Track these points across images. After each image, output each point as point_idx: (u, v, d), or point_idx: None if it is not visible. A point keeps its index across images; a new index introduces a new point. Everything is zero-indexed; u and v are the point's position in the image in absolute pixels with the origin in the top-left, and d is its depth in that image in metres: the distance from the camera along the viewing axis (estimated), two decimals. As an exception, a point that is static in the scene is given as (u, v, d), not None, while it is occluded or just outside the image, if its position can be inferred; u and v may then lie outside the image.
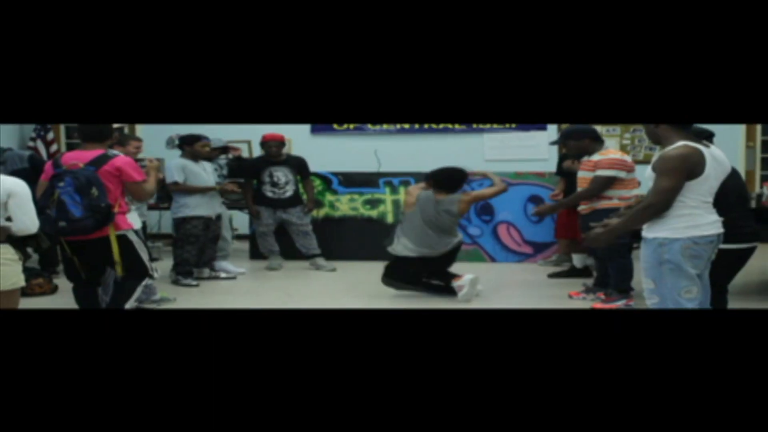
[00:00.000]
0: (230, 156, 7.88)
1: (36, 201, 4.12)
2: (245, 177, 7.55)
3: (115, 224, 4.50)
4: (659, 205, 3.22)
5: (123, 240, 4.56)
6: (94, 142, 4.55)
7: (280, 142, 7.49)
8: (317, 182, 8.04)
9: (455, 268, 6.15)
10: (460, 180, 6.07)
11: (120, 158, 4.53)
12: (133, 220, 5.08)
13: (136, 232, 4.76)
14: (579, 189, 5.71)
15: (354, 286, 6.55)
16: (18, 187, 3.68)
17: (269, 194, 7.45)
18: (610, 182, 5.46)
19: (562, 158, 7.24)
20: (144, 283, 4.77)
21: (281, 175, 7.46)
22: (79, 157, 4.48)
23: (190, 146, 6.72)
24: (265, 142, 7.47)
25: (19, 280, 3.71)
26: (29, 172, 6.32)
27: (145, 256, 4.72)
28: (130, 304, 4.70)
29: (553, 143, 6.75)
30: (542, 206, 6.37)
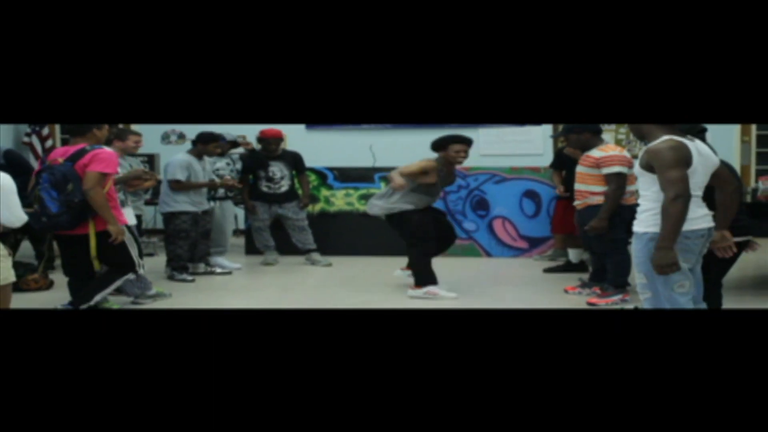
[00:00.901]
0: (245, 150, 7.83)
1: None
2: (242, 172, 7.55)
3: (102, 219, 4.51)
4: (683, 194, 3.14)
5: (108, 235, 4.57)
6: (78, 136, 4.57)
7: (279, 139, 7.50)
8: (312, 177, 8.04)
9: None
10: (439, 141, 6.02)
11: (96, 151, 4.49)
12: (128, 215, 5.07)
13: (129, 227, 4.77)
14: (577, 185, 5.70)
15: (350, 281, 6.55)
16: (1, 181, 3.67)
17: (264, 189, 7.44)
18: (624, 177, 5.44)
19: (559, 151, 7.23)
20: (126, 277, 4.80)
21: (276, 170, 7.45)
22: (63, 153, 4.51)
23: (204, 145, 6.71)
24: (264, 139, 7.46)
25: (10, 276, 3.71)
26: (5, 168, 6.31)
27: (134, 252, 4.73)
28: (101, 295, 4.72)
29: (554, 136, 6.71)
30: (594, 223, 5.59)
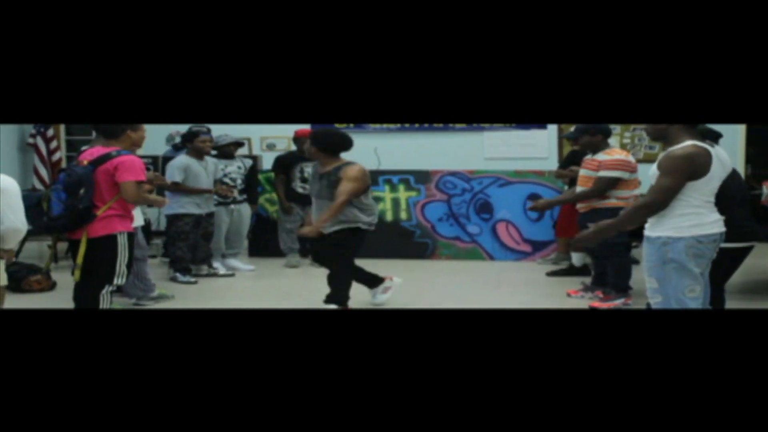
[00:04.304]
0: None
1: None
2: (277, 171, 7.55)
3: (107, 226, 4.30)
4: (656, 204, 3.22)
5: (109, 242, 4.31)
6: (112, 139, 4.39)
7: None
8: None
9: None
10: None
11: (123, 157, 4.32)
12: (136, 217, 4.99)
13: (129, 233, 4.48)
14: (579, 188, 5.69)
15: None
16: (7, 183, 3.56)
17: (299, 190, 7.41)
18: (614, 183, 5.44)
19: (571, 156, 7.16)
20: (106, 290, 4.39)
21: (312, 171, 7.45)
22: (91, 155, 4.34)
23: (191, 143, 6.69)
24: (299, 138, 7.45)
25: (2, 279, 3.64)
26: None
27: (121, 263, 4.39)
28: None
29: (567, 137, 6.56)
30: (539, 201, 6.26)
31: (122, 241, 4.38)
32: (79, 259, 4.26)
